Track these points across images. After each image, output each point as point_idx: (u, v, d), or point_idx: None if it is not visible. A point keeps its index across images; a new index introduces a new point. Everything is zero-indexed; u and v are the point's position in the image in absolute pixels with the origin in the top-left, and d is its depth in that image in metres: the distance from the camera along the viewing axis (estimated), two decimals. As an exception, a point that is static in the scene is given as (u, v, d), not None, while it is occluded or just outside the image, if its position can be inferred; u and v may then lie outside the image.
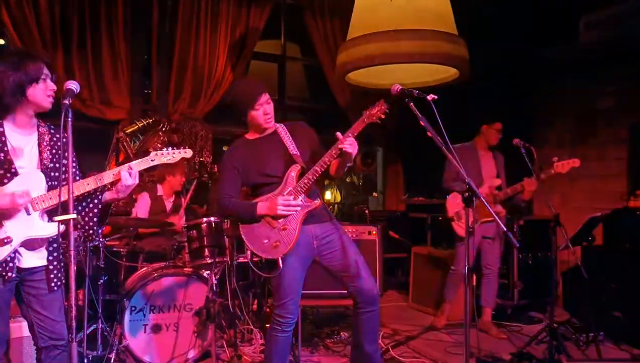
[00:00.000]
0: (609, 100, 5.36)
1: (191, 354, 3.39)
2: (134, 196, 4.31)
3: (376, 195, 7.66)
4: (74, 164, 2.22)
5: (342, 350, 3.70)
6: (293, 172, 2.65)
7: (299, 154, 2.68)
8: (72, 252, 1.82)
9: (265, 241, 2.58)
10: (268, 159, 2.67)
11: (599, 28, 5.10)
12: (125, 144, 4.74)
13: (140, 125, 4.87)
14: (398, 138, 6.68)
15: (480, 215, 3.93)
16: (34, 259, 2.13)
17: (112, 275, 3.53)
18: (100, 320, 3.20)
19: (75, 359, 1.88)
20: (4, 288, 2.06)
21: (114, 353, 3.17)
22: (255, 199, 2.68)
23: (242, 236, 2.64)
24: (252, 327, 3.88)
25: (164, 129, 5.15)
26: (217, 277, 3.55)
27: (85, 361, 2.71)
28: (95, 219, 2.27)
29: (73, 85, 2.01)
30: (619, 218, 4.27)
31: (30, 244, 2.11)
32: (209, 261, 3.41)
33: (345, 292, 2.76)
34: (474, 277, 3.15)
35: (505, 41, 5.56)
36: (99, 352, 3.20)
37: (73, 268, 1.83)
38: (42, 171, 2.12)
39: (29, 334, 2.22)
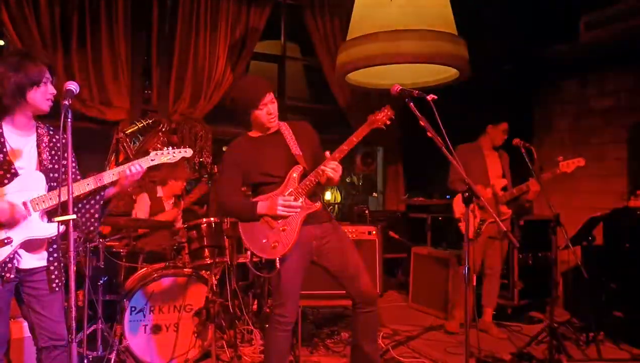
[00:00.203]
0: (609, 100, 5.36)
1: (191, 354, 3.39)
2: (133, 197, 4.32)
3: (376, 195, 7.66)
4: (74, 165, 2.23)
5: (342, 351, 3.69)
6: (295, 173, 2.63)
7: (301, 154, 2.66)
8: (71, 253, 1.82)
9: (264, 241, 2.58)
10: (270, 158, 2.65)
11: (599, 28, 5.09)
12: (125, 144, 4.74)
13: (140, 125, 4.86)
14: (398, 138, 6.68)
15: (487, 215, 3.93)
16: (34, 260, 2.13)
17: (112, 276, 3.53)
18: (100, 321, 3.20)
19: (75, 360, 1.88)
20: (3, 289, 2.06)
21: (114, 354, 3.17)
22: (255, 199, 2.67)
23: (241, 234, 2.63)
24: (252, 328, 3.88)
25: (163, 130, 5.14)
26: (217, 277, 3.55)
27: (85, 361, 2.71)
28: (96, 216, 2.27)
29: (72, 85, 2.01)
30: (619, 218, 4.26)
31: (30, 245, 2.11)
32: (209, 261, 3.41)
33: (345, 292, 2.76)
34: (474, 277, 3.15)
35: (505, 41, 5.56)
36: (99, 353, 3.20)
37: (73, 269, 1.83)
38: (41, 172, 2.12)
39: (29, 335, 2.22)
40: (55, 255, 2.18)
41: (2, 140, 2.07)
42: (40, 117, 2.20)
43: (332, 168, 2.52)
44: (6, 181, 2.05)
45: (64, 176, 1.96)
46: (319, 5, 6.29)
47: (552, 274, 3.88)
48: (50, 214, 2.13)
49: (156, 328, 3.36)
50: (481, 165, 4.11)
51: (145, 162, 2.26)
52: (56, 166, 2.16)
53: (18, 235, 2.05)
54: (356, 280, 2.67)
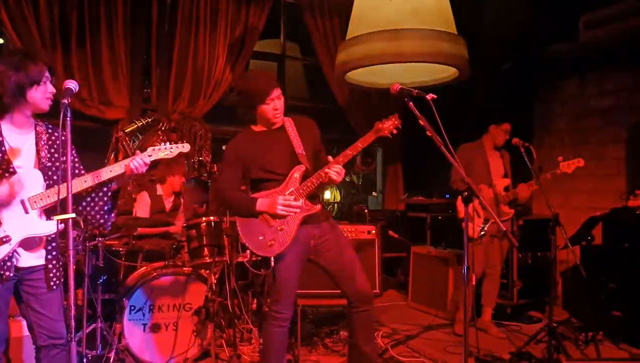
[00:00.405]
0: (609, 99, 5.36)
1: (190, 353, 3.39)
2: (133, 195, 4.31)
3: (375, 194, 7.67)
4: (76, 161, 2.23)
5: (341, 350, 3.69)
6: (297, 173, 2.63)
7: (304, 154, 2.65)
8: (70, 252, 1.82)
9: (260, 238, 2.57)
10: (272, 154, 2.64)
11: (599, 27, 5.09)
12: (124, 143, 4.74)
13: (139, 124, 4.86)
14: (398, 138, 6.67)
15: (489, 215, 3.93)
16: (32, 259, 2.13)
17: (112, 275, 3.53)
18: (99, 320, 3.20)
19: (75, 358, 1.88)
20: (2, 287, 2.06)
21: (113, 353, 3.17)
22: (254, 195, 2.66)
23: (238, 229, 2.63)
24: (252, 327, 3.88)
25: (163, 129, 5.15)
26: (217, 276, 3.55)
27: (85, 360, 2.70)
28: (105, 208, 2.27)
29: (72, 84, 2.01)
30: (618, 218, 4.26)
31: (29, 243, 2.11)
32: (209, 260, 3.41)
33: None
34: (474, 277, 3.15)
35: (505, 41, 5.56)
36: (98, 351, 3.20)
37: (72, 267, 1.83)
38: (39, 170, 2.13)
39: (28, 333, 2.22)
40: (53, 253, 2.18)
41: (0, 138, 2.07)
42: (40, 116, 2.20)
43: (335, 171, 2.53)
44: (5, 179, 2.05)
45: (63, 173, 1.95)
46: (318, 5, 6.30)
47: (551, 274, 3.88)
48: (48, 212, 2.13)
49: (155, 327, 3.36)
50: (484, 165, 4.12)
51: (143, 157, 2.26)
52: (55, 164, 2.17)
53: (17, 233, 2.05)
54: (352, 279, 2.67)
